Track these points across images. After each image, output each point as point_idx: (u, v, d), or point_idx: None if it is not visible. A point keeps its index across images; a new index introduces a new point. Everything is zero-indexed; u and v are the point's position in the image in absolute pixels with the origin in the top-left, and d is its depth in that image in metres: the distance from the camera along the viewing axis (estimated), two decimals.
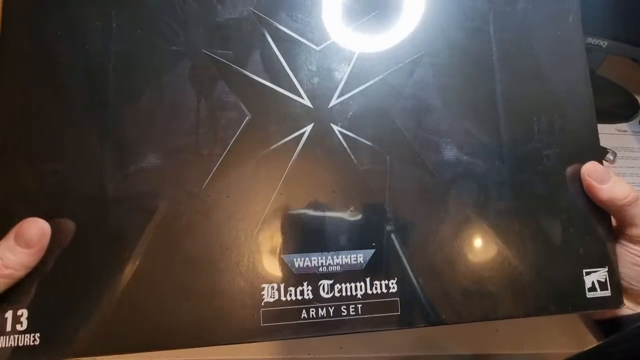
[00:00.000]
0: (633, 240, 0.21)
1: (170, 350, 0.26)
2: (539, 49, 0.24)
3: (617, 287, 0.22)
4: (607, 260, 0.22)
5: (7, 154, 0.19)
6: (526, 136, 0.23)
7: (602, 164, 0.22)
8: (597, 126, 0.24)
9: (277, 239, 0.21)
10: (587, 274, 0.22)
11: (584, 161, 0.23)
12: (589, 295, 0.21)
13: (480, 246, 0.22)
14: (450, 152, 0.22)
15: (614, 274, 0.22)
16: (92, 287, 0.19)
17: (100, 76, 0.21)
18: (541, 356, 0.24)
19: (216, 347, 0.25)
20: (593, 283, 0.22)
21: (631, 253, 0.22)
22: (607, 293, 0.21)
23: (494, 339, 0.24)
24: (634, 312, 0.22)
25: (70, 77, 0.20)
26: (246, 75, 0.22)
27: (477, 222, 0.22)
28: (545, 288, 0.21)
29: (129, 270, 0.19)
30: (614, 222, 0.23)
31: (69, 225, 0.19)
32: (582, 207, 0.22)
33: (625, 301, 0.22)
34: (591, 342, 0.23)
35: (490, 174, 0.22)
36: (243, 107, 0.21)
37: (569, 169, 0.22)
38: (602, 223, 0.22)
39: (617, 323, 0.22)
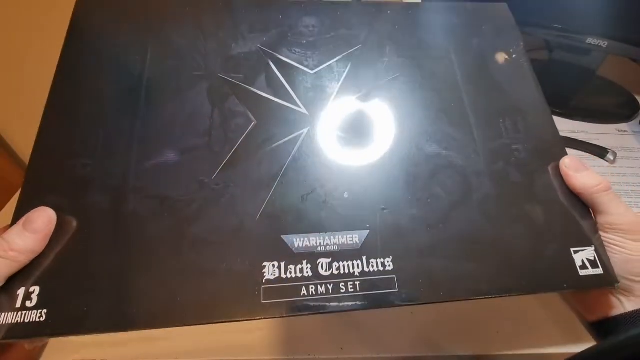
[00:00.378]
0: (606, 228, 0.22)
1: (171, 349, 0.25)
2: (494, 70, 0.29)
3: (608, 266, 0.22)
4: (592, 239, 0.23)
5: (51, 150, 0.23)
6: (495, 134, 0.26)
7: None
8: (555, 125, 0.27)
9: (278, 222, 0.22)
10: (576, 252, 0.22)
11: (548, 154, 0.26)
12: (582, 273, 0.22)
13: (468, 229, 0.23)
14: (430, 148, 0.26)
15: (601, 253, 0.22)
16: (101, 266, 0.20)
17: (135, 93, 0.25)
18: (541, 356, 0.24)
19: (217, 348, 0.25)
20: (583, 261, 0.22)
21: (608, 243, 0.22)
22: (599, 271, 0.22)
23: (494, 340, 0.24)
24: (624, 311, 0.22)
25: (110, 93, 0.25)
26: (253, 92, 0.26)
27: (463, 206, 0.24)
28: (539, 265, 0.22)
29: (138, 251, 0.21)
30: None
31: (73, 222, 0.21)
32: (560, 193, 0.24)
33: (611, 296, 0.22)
34: (591, 342, 0.23)
35: (468, 165, 0.25)
36: (250, 114, 0.26)
37: (551, 165, 0.25)
38: (581, 207, 0.24)
39: (608, 324, 0.22)
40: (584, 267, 0.22)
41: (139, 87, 0.26)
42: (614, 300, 0.22)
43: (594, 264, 0.22)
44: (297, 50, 0.28)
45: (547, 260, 0.22)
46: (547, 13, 0.42)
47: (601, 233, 0.23)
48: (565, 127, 0.42)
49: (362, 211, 0.23)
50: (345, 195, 0.23)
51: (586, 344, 0.21)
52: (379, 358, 0.23)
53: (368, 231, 0.22)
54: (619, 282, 0.22)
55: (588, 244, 0.23)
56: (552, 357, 0.24)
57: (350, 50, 0.29)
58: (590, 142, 0.39)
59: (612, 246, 0.22)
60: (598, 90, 0.47)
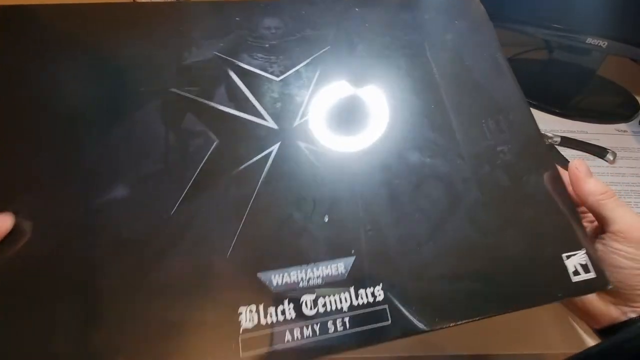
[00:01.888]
0: (613, 237, 0.21)
1: None
2: (472, 67, 0.28)
3: (600, 268, 0.21)
4: (583, 242, 0.22)
5: None
6: (479, 136, 0.25)
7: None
8: (535, 122, 0.26)
9: (252, 258, 0.20)
10: (568, 257, 0.21)
11: (533, 153, 0.24)
12: (575, 279, 0.21)
13: (459, 242, 0.21)
14: (413, 157, 0.23)
15: (592, 255, 0.21)
16: (54, 324, 0.17)
17: (74, 121, 0.21)
18: (541, 356, 0.23)
19: None
20: (575, 267, 0.21)
21: (614, 253, 0.21)
22: (592, 275, 0.21)
23: (494, 339, 0.23)
24: (628, 317, 0.21)
25: (47, 124, 0.21)
26: (212, 107, 0.23)
27: (452, 218, 0.22)
28: (531, 278, 0.21)
29: (89, 304, 0.18)
30: (592, 226, 0.24)
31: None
32: (549, 195, 0.23)
33: (614, 307, 0.22)
34: (590, 342, 0.23)
35: (454, 172, 0.23)
36: (211, 134, 0.22)
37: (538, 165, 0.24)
38: (571, 209, 0.23)
39: (614, 330, 0.21)
40: (576, 272, 0.21)
41: (79, 114, 0.22)
42: (617, 312, 0.22)
43: (585, 269, 0.21)
44: (259, 55, 0.25)
45: (540, 270, 0.21)
46: (547, 13, 0.42)
47: (607, 242, 0.22)
48: (565, 127, 0.41)
49: (345, 235, 0.21)
50: (326, 219, 0.21)
51: (586, 344, 0.21)
52: (378, 358, 0.22)
53: (354, 257, 0.20)
54: (610, 285, 0.21)
55: (579, 247, 0.22)
56: (551, 357, 0.23)
57: (318, 53, 0.26)
58: (590, 142, 0.38)
59: (620, 258, 0.21)
60: (598, 90, 0.47)
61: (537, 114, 0.43)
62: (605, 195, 0.22)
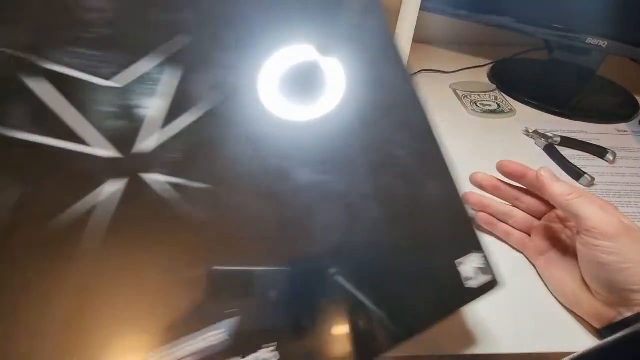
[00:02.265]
0: (590, 234, 0.21)
1: None
2: (365, 60, 0.21)
3: (494, 269, 0.20)
4: (479, 244, 0.20)
5: None
6: (378, 140, 0.19)
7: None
8: (430, 119, 0.21)
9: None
10: (461, 263, 0.19)
11: (427, 155, 0.20)
12: (468, 284, 0.19)
13: (363, 268, 0.18)
14: (302, 176, 0.17)
15: (487, 257, 0.20)
16: None
17: None
18: (541, 356, 0.23)
19: None
20: (469, 271, 0.19)
21: (595, 250, 0.21)
22: (488, 277, 0.19)
23: (494, 340, 0.23)
24: (623, 317, 0.21)
25: None
26: (5, 137, 0.13)
27: (353, 243, 0.18)
28: (433, 291, 0.19)
29: None
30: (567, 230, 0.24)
31: None
32: (444, 201, 0.20)
33: (609, 308, 0.22)
34: (591, 342, 0.23)
35: (350, 190, 0.18)
36: (9, 180, 0.13)
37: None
38: (464, 212, 0.20)
39: (613, 330, 0.21)
40: (469, 278, 0.19)
41: None
42: (613, 312, 0.22)
43: (483, 271, 0.20)
44: (83, 52, 0.15)
45: (437, 283, 0.19)
46: (548, 13, 0.42)
47: (587, 240, 0.22)
48: (565, 127, 0.41)
49: (225, 292, 0.15)
50: (195, 277, 0.15)
51: (586, 344, 0.21)
52: (378, 358, 0.21)
53: (238, 317, 0.15)
54: (498, 283, 0.20)
55: (474, 251, 0.20)
56: (551, 357, 0.23)
57: (175, 46, 0.16)
58: (590, 142, 0.38)
59: (601, 255, 0.21)
60: (598, 90, 0.48)
61: (538, 114, 0.43)
62: (572, 195, 0.22)
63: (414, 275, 0.19)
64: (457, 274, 0.19)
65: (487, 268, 0.20)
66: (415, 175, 0.20)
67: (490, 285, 0.19)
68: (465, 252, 0.19)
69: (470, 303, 0.19)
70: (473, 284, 0.19)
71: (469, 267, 0.19)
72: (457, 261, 0.19)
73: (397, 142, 0.20)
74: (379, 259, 0.18)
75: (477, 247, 0.20)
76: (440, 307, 0.19)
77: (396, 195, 0.19)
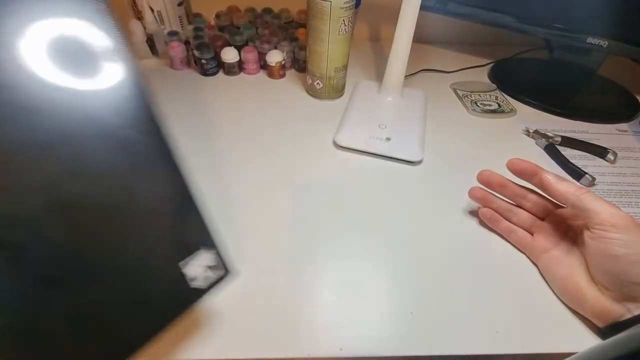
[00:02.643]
0: (602, 228, 0.21)
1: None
2: None
3: (224, 263, 0.19)
4: (211, 239, 0.19)
5: None
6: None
7: None
8: (156, 106, 0.16)
9: None
10: (185, 265, 0.18)
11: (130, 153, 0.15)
12: (194, 285, 0.18)
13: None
14: None
15: (218, 251, 0.19)
16: None
17: None
18: (541, 356, 0.23)
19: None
20: (196, 270, 0.18)
21: (608, 243, 0.21)
22: (220, 273, 0.19)
23: (494, 339, 0.23)
24: (632, 315, 0.21)
25: None
26: None
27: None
28: (154, 301, 0.18)
29: None
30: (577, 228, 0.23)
31: None
32: (162, 203, 0.17)
33: (617, 304, 0.21)
34: (591, 342, 0.22)
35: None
36: None
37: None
38: (193, 209, 0.18)
39: (618, 328, 0.21)
40: (194, 278, 0.18)
41: None
42: (621, 308, 0.21)
43: (213, 268, 0.19)
44: None
45: (159, 288, 0.18)
46: (548, 13, 0.42)
47: (599, 234, 0.21)
48: (565, 126, 0.40)
49: None
50: None
51: (586, 344, 0.20)
52: (378, 358, 0.22)
53: None
54: (229, 272, 0.19)
55: (205, 246, 0.19)
56: (551, 357, 0.23)
57: None
58: (591, 141, 0.38)
59: (615, 247, 0.21)
60: (598, 90, 0.47)
61: (538, 114, 0.43)
62: (581, 191, 0.22)
63: (129, 292, 0.17)
64: (182, 275, 0.18)
65: (218, 263, 0.19)
66: (112, 187, 0.15)
67: (221, 278, 0.19)
68: (191, 252, 0.18)
69: (198, 302, 0.19)
70: (200, 283, 0.18)
71: (195, 266, 0.19)
72: (180, 263, 0.18)
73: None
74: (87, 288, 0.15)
75: (209, 244, 0.19)
76: (164, 314, 0.18)
77: (86, 215, 0.14)
